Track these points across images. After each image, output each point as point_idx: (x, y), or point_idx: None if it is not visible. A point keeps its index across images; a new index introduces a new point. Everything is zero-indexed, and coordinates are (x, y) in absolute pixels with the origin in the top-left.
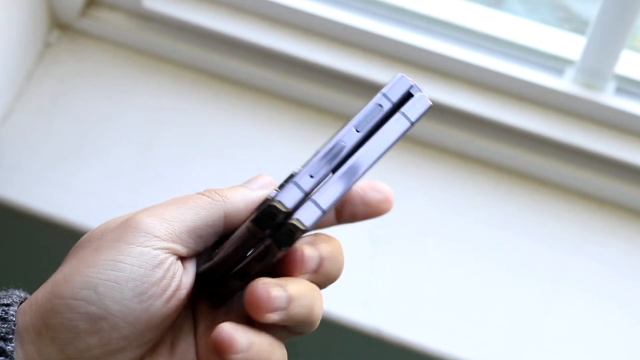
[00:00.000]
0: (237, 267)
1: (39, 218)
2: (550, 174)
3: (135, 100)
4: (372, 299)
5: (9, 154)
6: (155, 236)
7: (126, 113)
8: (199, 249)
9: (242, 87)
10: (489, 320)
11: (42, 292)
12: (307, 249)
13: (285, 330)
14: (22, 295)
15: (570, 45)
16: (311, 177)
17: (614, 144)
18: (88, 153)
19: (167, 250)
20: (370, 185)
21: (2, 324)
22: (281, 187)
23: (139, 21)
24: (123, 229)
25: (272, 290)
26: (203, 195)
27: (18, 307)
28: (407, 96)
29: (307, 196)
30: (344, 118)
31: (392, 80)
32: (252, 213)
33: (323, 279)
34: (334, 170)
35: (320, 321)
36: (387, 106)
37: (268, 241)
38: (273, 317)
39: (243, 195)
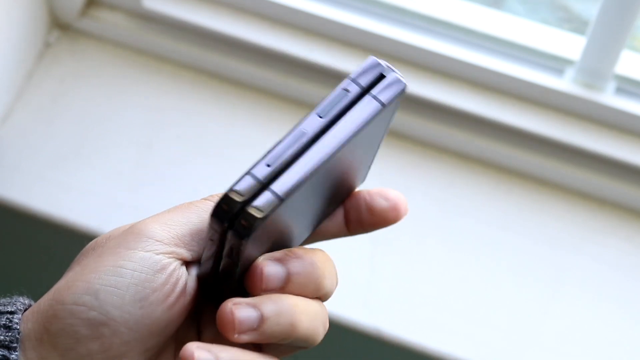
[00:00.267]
0: (220, 267)
1: (39, 218)
2: (550, 174)
3: (135, 100)
4: (372, 299)
5: (9, 154)
6: (158, 240)
7: (126, 113)
8: None
9: (242, 87)
10: (489, 320)
11: (45, 299)
12: (268, 266)
13: (281, 345)
14: (27, 302)
15: (570, 45)
16: (268, 166)
17: (614, 144)
18: (88, 153)
19: (171, 255)
20: (378, 191)
21: (6, 332)
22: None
23: (139, 21)
24: (126, 235)
25: (239, 312)
26: (206, 200)
27: (22, 314)
28: (380, 79)
29: (264, 185)
30: None
31: (362, 64)
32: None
33: (301, 293)
34: (295, 159)
35: None
36: (355, 90)
37: (229, 234)
38: (244, 337)
39: None
